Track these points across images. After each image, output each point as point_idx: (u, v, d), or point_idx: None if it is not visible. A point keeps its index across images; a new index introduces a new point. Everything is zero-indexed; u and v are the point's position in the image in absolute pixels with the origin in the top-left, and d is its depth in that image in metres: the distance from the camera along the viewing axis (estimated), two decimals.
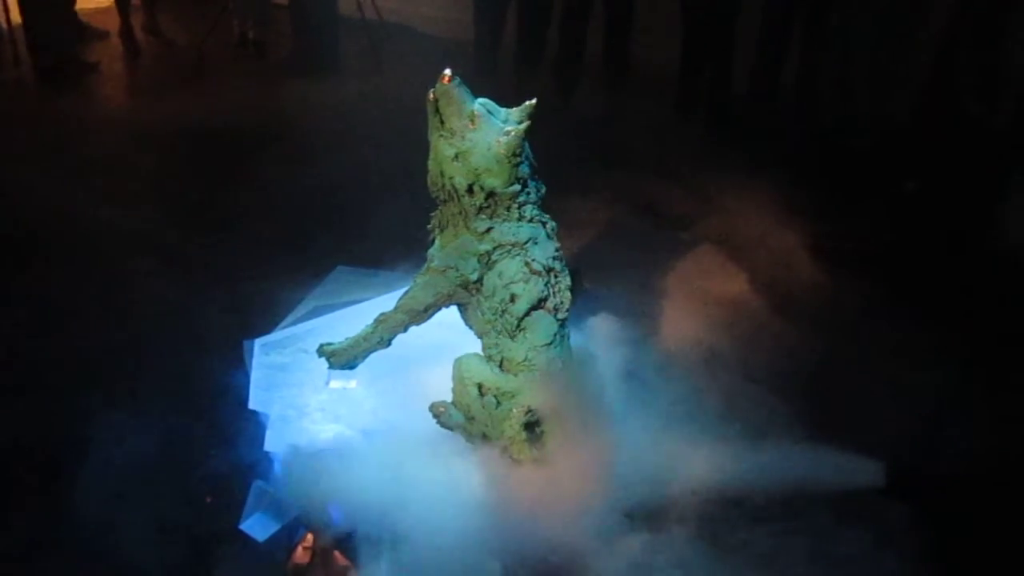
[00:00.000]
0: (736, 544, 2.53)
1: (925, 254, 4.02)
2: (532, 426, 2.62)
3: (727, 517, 2.61)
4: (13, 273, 3.59)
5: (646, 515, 2.59)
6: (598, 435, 2.67)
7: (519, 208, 2.62)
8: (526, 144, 2.59)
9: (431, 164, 2.64)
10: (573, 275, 2.73)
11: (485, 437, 2.69)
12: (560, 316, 2.66)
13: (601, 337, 3.14)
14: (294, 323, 3.22)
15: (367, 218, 3.99)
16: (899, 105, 4.87)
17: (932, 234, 4.20)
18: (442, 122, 2.57)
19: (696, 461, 2.76)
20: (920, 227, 4.28)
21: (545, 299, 2.63)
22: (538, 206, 2.67)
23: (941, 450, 2.92)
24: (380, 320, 2.82)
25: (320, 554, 2.45)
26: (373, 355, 2.86)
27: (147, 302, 3.39)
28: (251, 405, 2.87)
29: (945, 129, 4.53)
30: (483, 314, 2.68)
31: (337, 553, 2.46)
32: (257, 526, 2.53)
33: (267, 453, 2.72)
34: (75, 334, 3.21)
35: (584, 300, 2.92)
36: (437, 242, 2.75)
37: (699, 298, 3.66)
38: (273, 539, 2.50)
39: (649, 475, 2.70)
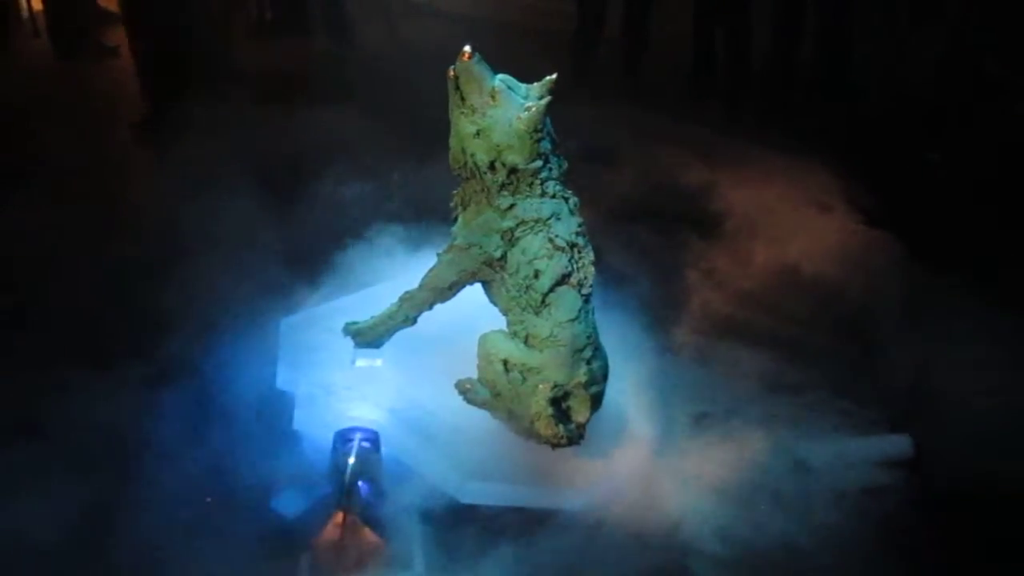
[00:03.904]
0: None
1: (950, 221, 3.97)
2: (558, 402, 2.63)
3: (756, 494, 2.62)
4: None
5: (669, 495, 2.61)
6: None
7: (541, 184, 2.62)
8: (547, 120, 2.58)
9: (452, 141, 2.64)
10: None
11: (511, 413, 2.69)
12: (584, 291, 2.65)
13: (621, 315, 3.15)
14: (319, 302, 3.23)
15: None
16: (918, 70, 4.77)
17: (956, 199, 4.15)
18: (463, 99, 2.56)
19: (718, 436, 2.78)
20: (943, 193, 4.23)
21: (569, 275, 2.62)
22: (560, 182, 2.67)
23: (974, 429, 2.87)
24: (405, 298, 2.83)
25: (350, 530, 2.47)
26: (399, 333, 2.88)
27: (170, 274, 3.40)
28: (278, 384, 2.89)
29: (965, 93, 4.43)
30: (507, 291, 2.68)
31: (367, 529, 2.47)
32: (286, 503, 2.55)
33: (295, 431, 2.75)
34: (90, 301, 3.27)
35: (603, 276, 2.93)
36: (460, 220, 2.75)
37: (717, 275, 3.66)
38: (303, 516, 2.53)
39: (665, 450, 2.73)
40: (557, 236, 2.62)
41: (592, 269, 2.66)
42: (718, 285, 3.59)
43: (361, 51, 5.72)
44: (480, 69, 2.54)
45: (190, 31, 5.34)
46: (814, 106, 5.10)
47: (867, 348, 3.25)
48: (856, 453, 2.75)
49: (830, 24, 5.10)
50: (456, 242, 2.73)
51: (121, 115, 4.94)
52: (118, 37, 5.73)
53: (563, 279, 2.62)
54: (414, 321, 2.85)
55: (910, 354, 3.17)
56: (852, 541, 2.49)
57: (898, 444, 2.78)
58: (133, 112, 4.93)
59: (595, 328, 2.71)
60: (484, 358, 2.70)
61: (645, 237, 3.86)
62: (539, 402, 2.61)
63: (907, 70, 4.79)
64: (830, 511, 2.56)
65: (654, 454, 2.71)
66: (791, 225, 3.94)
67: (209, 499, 2.54)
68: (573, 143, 2.76)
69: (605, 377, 2.72)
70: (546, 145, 2.59)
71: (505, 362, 2.65)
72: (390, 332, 2.87)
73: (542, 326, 2.63)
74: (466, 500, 2.57)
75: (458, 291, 2.78)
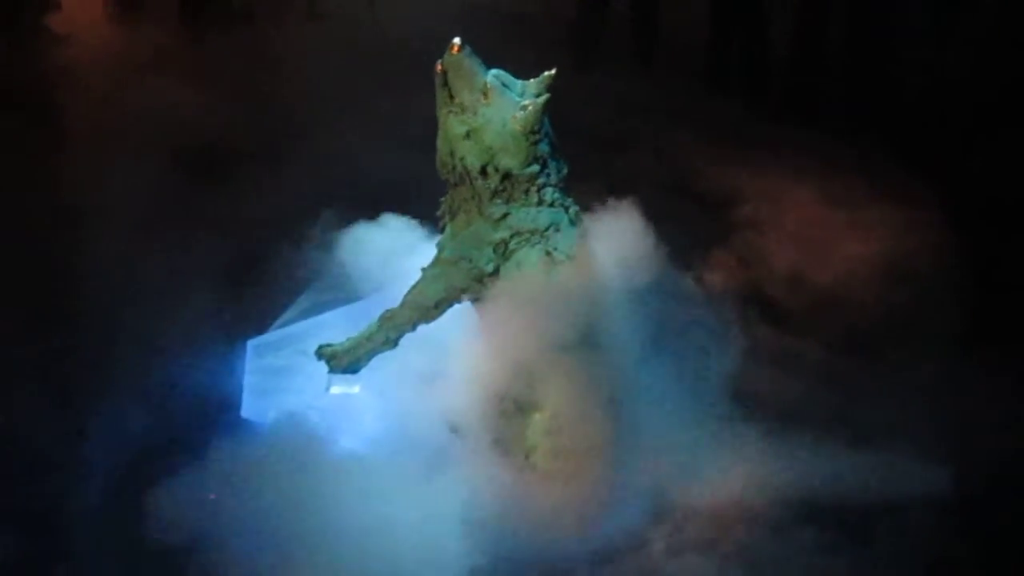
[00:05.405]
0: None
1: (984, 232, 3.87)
2: (556, 434, 2.48)
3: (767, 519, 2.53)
4: None
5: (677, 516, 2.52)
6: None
7: (538, 191, 2.53)
8: (545, 120, 2.47)
9: (440, 143, 2.54)
10: None
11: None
12: None
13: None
14: (290, 321, 3.15)
15: None
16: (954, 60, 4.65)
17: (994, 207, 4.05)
18: (452, 96, 2.48)
19: (734, 454, 2.67)
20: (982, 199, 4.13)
21: None
22: (560, 188, 2.57)
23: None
24: (386, 318, 2.72)
25: None
26: (378, 357, 2.75)
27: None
28: (243, 413, 2.78)
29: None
30: None
31: None
32: None
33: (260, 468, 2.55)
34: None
35: None
36: (448, 230, 2.67)
37: (739, 281, 3.51)
38: None
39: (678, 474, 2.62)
40: (556, 249, 2.55)
41: None
42: (735, 287, 3.47)
43: (337, 38, 5.64)
44: (471, 63, 2.47)
45: None
46: (845, 95, 5.06)
47: (895, 362, 3.19)
48: (882, 470, 2.66)
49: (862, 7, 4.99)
50: (443, 255, 2.62)
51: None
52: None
53: None
54: (395, 343, 2.71)
55: (944, 372, 3.10)
56: (870, 564, 2.42)
57: (927, 466, 2.68)
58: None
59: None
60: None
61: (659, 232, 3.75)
62: (535, 435, 2.49)
63: (947, 61, 4.65)
64: (843, 529, 2.49)
65: (667, 478, 2.58)
66: (810, 230, 3.86)
67: (213, 495, 2.42)
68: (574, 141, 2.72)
69: None
70: (544, 148, 2.50)
71: None
72: (369, 355, 2.75)
73: None
74: (454, 549, 2.37)
75: (445, 310, 2.68)
